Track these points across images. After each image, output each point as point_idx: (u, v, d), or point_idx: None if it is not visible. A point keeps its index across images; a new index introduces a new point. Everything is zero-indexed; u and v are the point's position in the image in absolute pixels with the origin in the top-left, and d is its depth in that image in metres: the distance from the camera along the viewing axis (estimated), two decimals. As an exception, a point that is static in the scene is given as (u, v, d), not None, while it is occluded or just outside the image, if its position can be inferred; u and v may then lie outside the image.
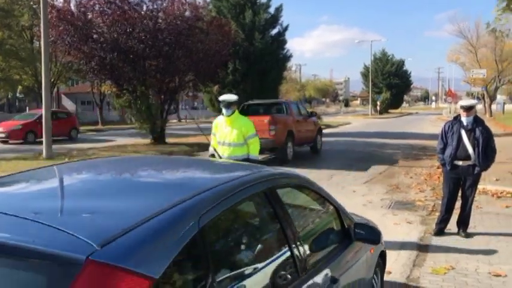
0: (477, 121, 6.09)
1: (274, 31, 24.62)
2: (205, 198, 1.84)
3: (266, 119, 13.14)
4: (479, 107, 54.26)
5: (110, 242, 1.41)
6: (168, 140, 19.39)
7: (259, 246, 2.22)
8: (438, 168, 12.95)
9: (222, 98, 6.18)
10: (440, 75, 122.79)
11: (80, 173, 2.57)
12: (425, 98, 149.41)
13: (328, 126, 33.70)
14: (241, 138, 6.11)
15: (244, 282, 1.86)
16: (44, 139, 14.27)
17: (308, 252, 2.39)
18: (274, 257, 2.18)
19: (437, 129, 30.25)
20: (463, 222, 6.29)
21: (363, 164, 13.37)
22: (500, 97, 62.22)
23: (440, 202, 7.80)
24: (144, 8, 16.85)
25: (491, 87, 47.65)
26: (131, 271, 1.37)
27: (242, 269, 1.97)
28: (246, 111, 13.64)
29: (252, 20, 23.37)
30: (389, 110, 65.23)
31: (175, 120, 40.79)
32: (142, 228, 1.52)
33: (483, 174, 10.36)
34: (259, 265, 2.06)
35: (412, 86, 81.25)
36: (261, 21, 23.53)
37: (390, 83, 65.76)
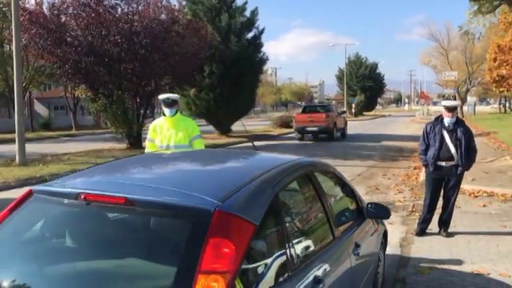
0: (458, 122, 6.19)
1: (250, 34, 24.69)
2: (273, 174, 2.55)
3: (323, 114, 22.64)
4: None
5: (225, 199, 2.06)
6: (145, 144, 19.11)
7: (309, 211, 3.05)
8: (415, 169, 13.16)
9: (164, 96, 5.71)
10: (412, 78, 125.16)
11: (173, 158, 3.49)
12: (397, 100, 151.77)
13: (304, 128, 33.90)
14: (187, 140, 5.68)
15: (302, 230, 2.75)
16: (17, 145, 13.86)
17: (337, 223, 3.07)
18: (317, 220, 2.98)
19: (411, 131, 30.99)
20: (445, 222, 6.37)
21: (341, 166, 13.44)
22: (470, 99, 63.69)
23: (420, 202, 7.92)
24: (119, 10, 16.60)
25: (462, 89, 48.78)
26: (243, 218, 2.01)
27: (300, 223, 2.82)
28: (305, 111, 24.21)
29: (228, 23, 23.35)
30: (364, 113, 66.03)
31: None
32: (243, 190, 2.21)
33: (462, 174, 10.49)
34: (310, 221, 2.99)
35: (385, 88, 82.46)
36: (237, 24, 23.53)
37: (364, 85, 66.63)
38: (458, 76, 39.52)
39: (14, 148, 14.67)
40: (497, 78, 28.21)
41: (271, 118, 37.84)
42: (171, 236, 2.17)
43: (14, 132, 14.25)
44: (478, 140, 21.12)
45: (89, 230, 2.39)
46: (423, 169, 12.28)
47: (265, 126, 33.90)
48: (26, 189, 2.51)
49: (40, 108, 45.17)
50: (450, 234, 6.31)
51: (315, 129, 22.66)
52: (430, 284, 4.63)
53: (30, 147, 15.83)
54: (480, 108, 63.22)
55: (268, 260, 2.11)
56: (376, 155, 16.34)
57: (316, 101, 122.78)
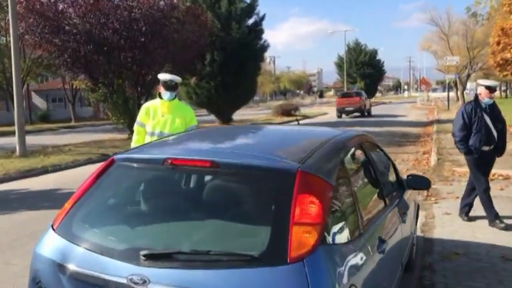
0: (494, 103, 5.87)
1: (250, 21, 24.33)
2: (337, 141, 2.84)
3: (357, 98, 31.26)
4: (451, 94, 55.14)
5: (304, 162, 2.22)
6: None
7: (366, 178, 3.16)
8: (424, 154, 12.91)
9: (166, 76, 5.16)
10: (411, 65, 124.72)
11: (244, 131, 3.87)
12: (396, 87, 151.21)
13: (305, 117, 33.59)
14: (183, 128, 5.00)
15: (363, 194, 2.89)
16: (17, 137, 13.58)
17: (386, 191, 3.26)
18: (373, 187, 3.17)
19: (413, 117, 30.74)
20: (470, 206, 6.13)
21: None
22: (470, 84, 63.36)
23: (436, 187, 7.71)
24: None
25: (463, 75, 48.36)
26: (322, 178, 2.20)
27: (361, 188, 2.95)
28: (343, 96, 32.84)
29: (228, 9, 22.96)
30: (364, 100, 65.66)
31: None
32: (316, 154, 2.40)
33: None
34: (368, 188, 3.14)
35: (384, 75, 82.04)
36: (237, 10, 23.15)
37: (364, 72, 66.21)
38: (459, 61, 39.08)
39: (13, 140, 14.40)
40: (501, 62, 27.78)
41: (271, 107, 37.51)
42: (258, 196, 2.31)
43: (13, 125, 14.02)
44: (483, 124, 20.92)
45: (178, 193, 2.67)
46: (433, 154, 12.11)
47: (266, 115, 33.60)
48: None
49: (38, 101, 44.76)
50: (471, 219, 6.08)
51: (351, 108, 30.87)
52: (459, 270, 4.39)
53: (29, 140, 15.56)
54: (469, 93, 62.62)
55: (344, 217, 2.31)
56: (381, 141, 16.06)
57: (315, 89, 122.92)
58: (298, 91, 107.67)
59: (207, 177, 2.60)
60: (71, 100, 35.74)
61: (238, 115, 28.72)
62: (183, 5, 18.57)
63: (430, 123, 24.35)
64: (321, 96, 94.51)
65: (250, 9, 24.15)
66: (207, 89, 23.15)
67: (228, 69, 22.54)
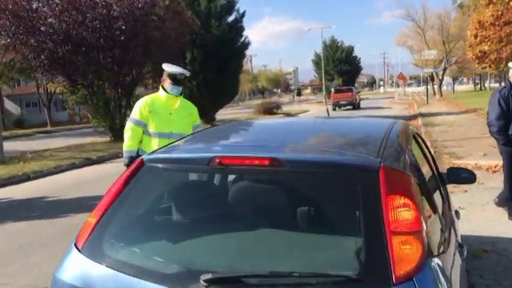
0: None
1: (230, 18, 23.88)
2: (399, 130, 2.45)
3: (349, 93, 36.40)
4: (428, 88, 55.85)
5: (382, 155, 1.86)
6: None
7: (426, 170, 2.68)
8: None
9: (176, 69, 4.43)
10: (385, 61, 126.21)
11: (294, 123, 3.58)
12: (371, 83, 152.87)
13: (288, 114, 33.36)
14: (190, 129, 4.47)
15: (432, 189, 2.43)
16: (-7, 142, 12.88)
17: (441, 186, 2.99)
18: (433, 180, 2.80)
19: (396, 111, 30.84)
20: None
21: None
22: (446, 78, 64.32)
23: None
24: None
25: (439, 69, 49.00)
26: (407, 174, 1.85)
27: (428, 181, 2.50)
28: (337, 92, 37.14)
29: (208, 6, 22.51)
30: (342, 96, 66.00)
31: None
32: (388, 145, 2.02)
33: (469, 149, 10.06)
34: (431, 182, 2.63)
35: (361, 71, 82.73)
36: (217, 7, 22.71)
37: (341, 69, 66.73)
38: (436, 55, 39.50)
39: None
40: (479, 55, 28.07)
41: (251, 106, 37.19)
42: (335, 200, 1.93)
43: (-16, 132, 13.24)
44: (468, 117, 21.02)
45: (231, 200, 2.14)
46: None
47: (248, 114, 33.22)
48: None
49: (11, 106, 43.29)
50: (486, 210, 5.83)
51: (345, 102, 36.09)
52: (496, 270, 4.10)
53: (6, 146, 14.80)
54: (457, 87, 63.77)
55: (432, 220, 1.97)
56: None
57: (292, 87, 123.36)
58: (275, 90, 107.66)
59: (265, 179, 2.04)
60: (46, 104, 34.63)
61: (220, 114, 28.26)
62: (162, 3, 18.01)
63: (414, 117, 24.36)
64: (299, 94, 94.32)
65: (230, 6, 23.75)
66: (188, 89, 22.56)
67: (209, 67, 22.10)
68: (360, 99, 39.56)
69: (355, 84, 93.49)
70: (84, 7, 15.05)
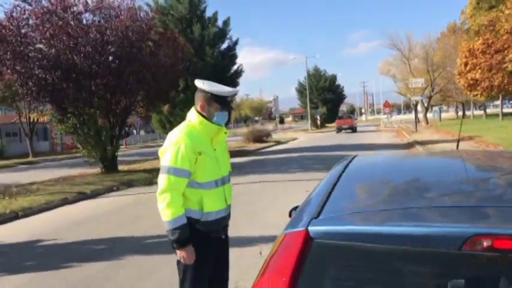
0: None
1: (223, 46, 23.32)
2: None
3: (350, 120, 47.66)
4: (413, 116, 56.23)
5: None
6: (120, 167, 17.23)
7: None
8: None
9: (224, 89, 3.04)
10: (365, 90, 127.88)
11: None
12: (351, 112, 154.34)
13: (278, 142, 32.75)
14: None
15: None
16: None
17: None
18: None
19: (385, 139, 30.55)
20: None
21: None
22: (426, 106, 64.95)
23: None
24: (90, 18, 14.85)
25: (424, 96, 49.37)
26: None
27: None
28: (340, 118, 48.70)
29: (201, 34, 21.94)
30: (326, 124, 65.97)
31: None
32: None
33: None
34: None
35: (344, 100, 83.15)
36: (210, 35, 22.13)
37: (325, 98, 66.75)
38: (424, 83, 39.70)
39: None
40: (471, 82, 28.11)
41: (237, 133, 36.64)
42: None
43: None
44: (468, 144, 20.62)
45: None
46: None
47: (237, 142, 32.51)
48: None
49: (-11, 136, 41.69)
50: None
51: (346, 126, 45.08)
52: None
53: (-12, 178, 13.71)
54: (443, 115, 64.32)
55: None
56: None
57: (275, 114, 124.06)
58: (256, 118, 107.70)
59: None
60: (28, 134, 33.27)
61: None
62: (158, 28, 17.33)
63: (409, 145, 23.94)
64: (282, 122, 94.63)
65: (223, 33, 23.24)
66: (181, 117, 21.65)
67: (202, 95, 21.33)
68: (356, 124, 48.85)
69: (339, 113, 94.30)
70: (75, 32, 14.23)
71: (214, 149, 3.06)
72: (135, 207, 10.06)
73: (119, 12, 15.04)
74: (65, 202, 10.90)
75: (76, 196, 11.51)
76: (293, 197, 9.83)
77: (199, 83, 3.06)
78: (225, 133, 3.17)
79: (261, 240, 6.11)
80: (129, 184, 13.67)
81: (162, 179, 2.86)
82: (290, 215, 3.34)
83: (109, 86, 15.24)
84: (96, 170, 16.43)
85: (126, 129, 18.71)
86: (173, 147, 2.87)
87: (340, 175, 2.11)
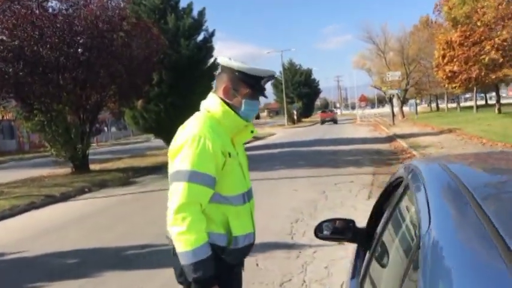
0: None
1: (199, 37, 22.43)
2: None
3: (332, 113, 57.22)
4: (387, 110, 56.38)
5: None
6: (92, 166, 16.22)
7: None
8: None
9: (258, 68, 2.20)
10: (339, 84, 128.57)
11: None
12: (325, 106, 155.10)
13: (256, 138, 32.04)
14: None
15: None
16: None
17: None
18: None
19: (364, 133, 30.25)
20: None
21: (341, 175, 11.59)
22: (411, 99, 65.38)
23: None
24: (56, 7, 13.78)
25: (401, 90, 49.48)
26: None
27: None
28: (323, 112, 58.43)
29: (176, 25, 21.00)
30: (302, 119, 65.69)
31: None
32: None
33: None
34: None
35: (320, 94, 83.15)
36: (185, 26, 21.21)
37: (301, 92, 66.47)
38: (400, 76, 39.62)
39: None
40: (449, 75, 28.01)
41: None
42: None
43: None
44: (450, 137, 20.36)
45: None
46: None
47: (214, 138, 31.65)
48: None
49: None
50: None
51: (328, 119, 52.08)
52: None
53: None
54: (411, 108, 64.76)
55: None
56: (363, 160, 14.70)
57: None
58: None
59: None
60: (-9, 132, 31.67)
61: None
62: (131, 17, 16.33)
63: (390, 139, 23.60)
64: (257, 117, 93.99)
65: (198, 24, 22.33)
66: (155, 113, 20.88)
67: (178, 89, 20.48)
68: (337, 118, 55.97)
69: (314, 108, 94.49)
70: (41, 21, 13.15)
71: (237, 153, 2.26)
72: (110, 211, 9.19)
73: (88, 1, 14.00)
74: (31, 207, 9.92)
75: (44, 200, 10.54)
76: (281, 197, 9.19)
77: (223, 59, 2.27)
78: (252, 132, 2.34)
79: (256, 248, 5.40)
80: (102, 185, 12.75)
81: (178, 189, 2.03)
82: (316, 234, 2.63)
83: (78, 80, 14.23)
84: (66, 169, 15.40)
85: (97, 126, 17.65)
86: (194, 143, 2.05)
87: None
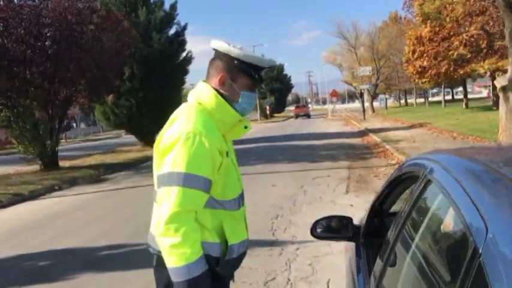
0: None
1: (171, 31, 22.04)
2: None
3: (305, 108, 60.26)
4: (357, 105, 57.09)
5: None
6: (62, 163, 15.73)
7: None
8: (396, 165, 11.69)
9: (257, 56, 2.00)
10: (310, 79, 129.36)
11: None
12: (296, 101, 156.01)
13: (229, 133, 31.82)
14: None
15: None
16: None
17: None
18: None
19: (336, 128, 30.46)
20: None
21: (318, 170, 11.56)
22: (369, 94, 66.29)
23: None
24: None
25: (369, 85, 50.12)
26: None
27: None
28: (297, 107, 61.27)
29: (147, 18, 20.57)
30: (274, 114, 65.83)
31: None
32: None
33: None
34: None
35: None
36: (157, 19, 20.80)
37: (273, 87, 66.51)
38: (371, 71, 40.11)
39: None
40: (419, 70, 28.46)
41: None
42: None
43: None
44: (421, 132, 20.67)
45: None
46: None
47: (187, 134, 31.35)
48: None
49: None
50: None
51: (302, 113, 54.43)
52: None
53: None
54: (380, 103, 65.92)
55: None
56: (338, 154, 14.73)
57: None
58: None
59: None
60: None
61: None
62: (102, 10, 15.87)
63: (362, 133, 23.81)
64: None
65: (170, 18, 21.91)
66: (127, 108, 20.42)
67: (150, 84, 20.07)
68: (310, 112, 59.33)
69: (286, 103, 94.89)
70: (5, 12, 12.60)
71: (228, 151, 2.00)
72: (81, 210, 8.88)
73: (56, -8, 13.49)
74: (-2, 206, 9.50)
75: (12, 198, 10.10)
76: (260, 193, 9.06)
77: (220, 44, 1.99)
78: (246, 127, 2.09)
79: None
80: (73, 182, 12.36)
81: (171, 195, 1.76)
82: (312, 233, 2.51)
83: (46, 74, 13.74)
84: (35, 167, 14.89)
85: (67, 121, 17.15)
86: (188, 142, 1.80)
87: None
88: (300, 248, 5.28)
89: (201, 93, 2.00)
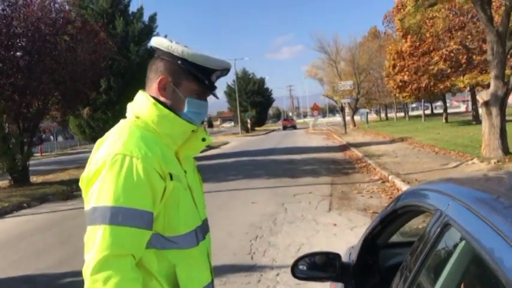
0: None
1: (150, 43, 21.59)
2: None
3: (293, 121, 72.66)
4: (338, 119, 57.32)
5: None
6: (33, 179, 15.08)
7: None
8: (383, 182, 11.39)
9: (211, 58, 1.58)
10: (291, 93, 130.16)
11: None
12: (277, 115, 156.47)
13: (209, 147, 31.38)
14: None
15: None
16: None
17: None
18: None
19: (318, 142, 30.28)
20: None
21: (299, 186, 11.21)
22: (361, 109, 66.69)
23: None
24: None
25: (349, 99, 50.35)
26: None
27: None
28: (285, 120, 76.45)
29: (125, 29, 20.12)
30: (255, 128, 65.62)
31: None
32: None
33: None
34: None
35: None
36: (135, 31, 20.38)
37: (254, 101, 66.34)
38: (352, 85, 40.21)
39: None
40: (400, 84, 28.55)
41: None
42: None
43: None
44: (402, 146, 20.52)
45: None
46: (398, 181, 10.70)
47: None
48: None
49: None
50: None
51: (289, 125, 64.94)
52: None
53: None
54: (361, 117, 66.37)
55: None
56: (319, 169, 14.42)
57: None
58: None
59: None
60: None
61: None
62: (77, 20, 15.40)
63: (343, 147, 23.62)
64: (210, 125, 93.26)
65: (149, 30, 21.55)
66: (103, 121, 19.83)
67: (127, 97, 19.18)
68: (296, 125, 67.95)
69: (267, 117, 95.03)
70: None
71: (185, 171, 1.63)
72: (49, 230, 8.34)
73: (28, 1, 13.01)
74: (-40, 226, 8.90)
75: (-24, 217, 9.50)
76: (238, 211, 8.65)
77: (161, 41, 1.62)
78: (204, 140, 1.68)
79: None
80: (43, 199, 11.77)
81: (96, 236, 1.36)
82: (294, 274, 2.13)
83: (17, 86, 13.18)
84: (4, 182, 14.22)
85: (41, 135, 16.53)
86: (115, 166, 1.41)
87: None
88: (280, 273, 4.88)
89: (138, 104, 1.61)
